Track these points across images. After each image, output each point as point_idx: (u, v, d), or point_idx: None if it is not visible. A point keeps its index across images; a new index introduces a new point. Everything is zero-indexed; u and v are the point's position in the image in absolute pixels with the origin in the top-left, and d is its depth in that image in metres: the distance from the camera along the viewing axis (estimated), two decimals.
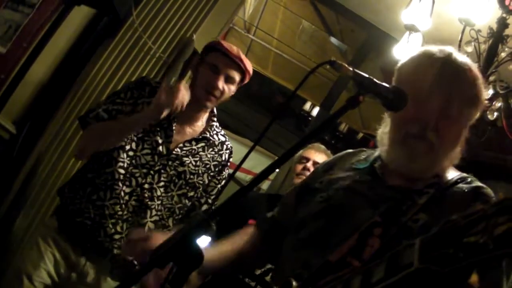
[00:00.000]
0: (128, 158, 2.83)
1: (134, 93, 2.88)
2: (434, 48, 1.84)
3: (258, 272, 3.39)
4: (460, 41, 4.12)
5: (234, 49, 2.87)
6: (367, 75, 1.65)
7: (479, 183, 1.78)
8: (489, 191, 1.74)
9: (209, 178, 2.97)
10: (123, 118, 2.80)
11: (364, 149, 2.09)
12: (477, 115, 1.84)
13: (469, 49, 4.10)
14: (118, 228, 2.82)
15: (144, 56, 4.29)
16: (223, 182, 3.05)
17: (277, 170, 3.78)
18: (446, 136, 1.75)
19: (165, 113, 2.69)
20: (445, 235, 1.11)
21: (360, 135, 10.47)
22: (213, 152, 2.98)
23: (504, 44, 4.12)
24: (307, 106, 10.15)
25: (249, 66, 2.92)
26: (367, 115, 10.45)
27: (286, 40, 9.06)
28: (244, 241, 2.20)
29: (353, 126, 10.41)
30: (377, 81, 1.63)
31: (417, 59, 1.87)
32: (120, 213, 2.81)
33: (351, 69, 1.65)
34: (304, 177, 3.50)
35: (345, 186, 1.89)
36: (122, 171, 2.82)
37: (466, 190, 1.74)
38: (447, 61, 1.77)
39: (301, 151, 3.96)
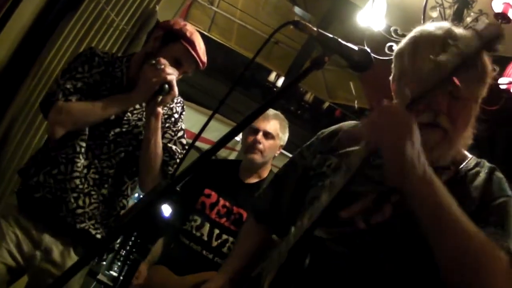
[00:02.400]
0: (87, 130, 2.84)
1: (88, 65, 2.88)
2: (430, 26, 1.75)
3: (215, 243, 3.41)
4: (425, 6, 4.10)
5: (199, 46, 2.91)
6: (332, 36, 1.64)
7: (491, 165, 1.77)
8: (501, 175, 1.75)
9: (164, 130, 2.94)
10: (111, 97, 2.82)
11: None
12: (485, 90, 1.75)
13: (434, 14, 4.06)
14: (80, 203, 2.82)
15: (107, 29, 4.23)
16: (179, 134, 3.03)
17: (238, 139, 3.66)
18: (458, 118, 1.67)
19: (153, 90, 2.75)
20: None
21: (326, 104, 10.54)
22: (166, 108, 2.96)
23: (469, 9, 4.10)
24: (272, 77, 10.16)
25: (205, 57, 2.97)
26: (332, 84, 10.50)
27: (250, 11, 9.02)
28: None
29: (319, 96, 10.46)
30: (342, 41, 1.62)
31: (415, 42, 1.76)
32: (80, 186, 2.82)
33: (315, 29, 1.64)
34: (256, 151, 3.47)
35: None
36: (83, 143, 2.83)
37: (481, 174, 1.72)
38: (449, 39, 1.64)
39: None
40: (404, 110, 1.49)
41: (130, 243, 5.04)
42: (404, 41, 1.83)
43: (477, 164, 1.76)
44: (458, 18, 4.01)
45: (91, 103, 2.78)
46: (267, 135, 3.51)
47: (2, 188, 3.86)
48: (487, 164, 1.76)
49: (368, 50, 1.70)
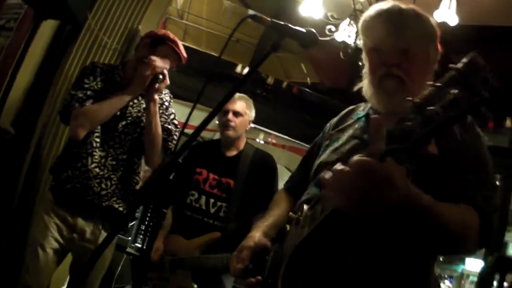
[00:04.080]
0: (100, 128, 2.90)
1: (93, 75, 2.93)
2: (382, 5, 1.72)
3: (212, 210, 3.43)
4: None
5: (180, 44, 3.02)
6: (283, 22, 1.64)
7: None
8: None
9: (159, 115, 2.98)
10: (113, 96, 2.89)
11: (362, 103, 1.94)
12: (438, 49, 1.73)
13: None
14: (103, 185, 2.88)
15: (102, 50, 4.27)
16: (171, 117, 3.12)
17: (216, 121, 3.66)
18: (411, 70, 1.64)
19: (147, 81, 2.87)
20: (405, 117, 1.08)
21: (285, 84, 10.53)
22: (158, 99, 2.99)
23: None
24: (239, 69, 10.09)
25: (185, 53, 3.06)
26: (288, 66, 10.50)
27: (213, 18, 9.00)
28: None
29: (278, 77, 10.45)
30: (292, 26, 1.63)
31: (369, 17, 1.74)
32: (101, 173, 2.87)
33: (269, 19, 1.64)
34: (230, 128, 3.49)
35: (350, 134, 1.81)
36: (97, 139, 2.89)
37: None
38: (392, 11, 1.67)
39: None
40: (378, 164, 1.14)
41: (149, 212, 5.04)
42: (370, 14, 1.75)
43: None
44: None
45: (99, 104, 2.84)
46: (236, 113, 3.54)
47: (42, 189, 3.85)
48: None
49: (313, 30, 1.71)
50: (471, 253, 1.63)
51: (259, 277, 1.70)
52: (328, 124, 2.03)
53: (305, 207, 1.61)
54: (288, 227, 1.72)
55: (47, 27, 3.97)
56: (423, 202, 1.27)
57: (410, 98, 1.06)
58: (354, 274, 1.48)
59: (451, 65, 0.99)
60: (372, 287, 1.47)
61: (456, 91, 0.96)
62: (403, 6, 1.69)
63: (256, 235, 1.82)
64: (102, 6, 4.19)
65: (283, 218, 1.85)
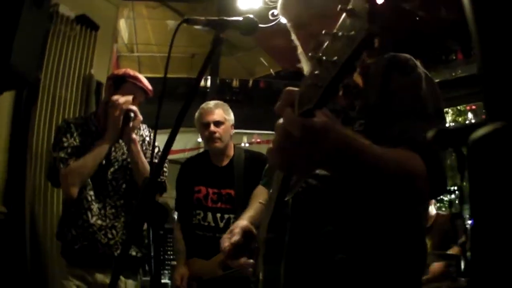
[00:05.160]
0: (90, 181, 2.90)
1: (69, 133, 2.94)
2: None
3: (221, 224, 3.45)
4: None
5: (142, 79, 3.04)
6: (217, 17, 1.64)
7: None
8: (404, 56, 1.57)
9: (144, 152, 3.00)
10: (94, 147, 2.89)
11: None
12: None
13: None
14: (110, 236, 2.88)
15: (64, 105, 4.28)
16: (156, 150, 2.94)
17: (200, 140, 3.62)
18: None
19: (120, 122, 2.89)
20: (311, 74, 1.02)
21: (251, 81, 10.57)
22: (137, 136, 3.00)
23: None
24: (202, 81, 10.11)
25: (150, 86, 3.07)
26: (248, 64, 10.51)
27: (162, 42, 8.97)
28: None
29: (242, 78, 10.49)
30: (227, 18, 1.64)
31: None
32: (104, 224, 2.87)
33: (202, 18, 1.64)
34: (216, 139, 3.43)
35: None
36: (91, 192, 2.89)
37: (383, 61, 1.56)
38: None
39: (198, 118, 3.56)
40: (303, 119, 1.04)
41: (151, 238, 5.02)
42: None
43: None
44: None
45: (83, 159, 2.84)
46: (217, 123, 3.48)
47: (50, 251, 3.86)
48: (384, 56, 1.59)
49: (250, 15, 1.71)
50: (423, 201, 1.57)
51: (251, 261, 1.69)
52: None
53: (270, 190, 1.61)
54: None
55: (5, 100, 3.94)
56: (355, 144, 1.18)
57: (311, 54, 1.01)
58: (337, 240, 1.45)
59: (340, 7, 0.95)
60: (358, 249, 1.45)
61: (351, 32, 0.91)
62: None
63: (243, 222, 1.82)
64: (50, 62, 4.18)
65: (260, 210, 1.85)
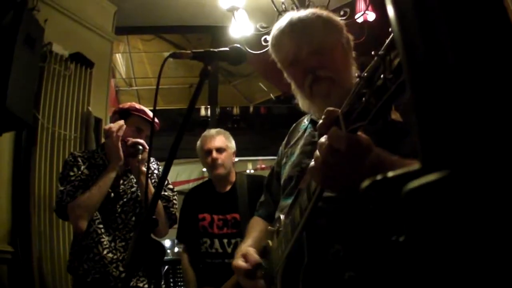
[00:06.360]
0: (99, 214, 2.88)
1: (76, 166, 2.93)
2: (281, 21, 1.72)
3: (229, 250, 3.41)
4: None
5: (148, 112, 3.05)
6: (204, 49, 1.65)
7: None
8: None
9: (153, 185, 3.01)
10: (99, 179, 2.86)
11: (306, 116, 1.91)
12: (348, 38, 1.73)
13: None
14: (120, 269, 2.86)
15: (64, 143, 4.31)
16: (165, 183, 3.05)
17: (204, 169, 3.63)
18: (333, 65, 1.62)
19: (121, 151, 2.88)
20: (357, 93, 1.03)
21: (251, 108, 10.60)
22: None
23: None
24: (203, 111, 10.15)
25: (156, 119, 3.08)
26: (247, 91, 10.57)
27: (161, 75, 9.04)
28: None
29: (243, 105, 10.53)
30: (215, 49, 1.64)
31: (274, 38, 1.74)
32: (115, 257, 2.85)
33: (189, 51, 1.64)
34: (218, 166, 3.46)
35: (302, 144, 1.79)
36: (101, 225, 2.87)
37: None
38: (292, 22, 1.67)
39: (200, 146, 3.60)
40: (351, 134, 1.08)
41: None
42: (274, 34, 1.74)
43: None
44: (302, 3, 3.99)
45: (89, 191, 2.82)
46: (219, 150, 3.50)
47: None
48: None
49: (238, 45, 1.72)
50: None
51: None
52: (280, 147, 2.04)
53: (282, 217, 1.60)
54: (270, 242, 1.71)
55: (5, 141, 3.97)
56: (389, 160, 1.20)
57: (357, 74, 1.03)
58: (345, 258, 1.46)
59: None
60: (367, 266, 1.45)
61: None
62: (300, 13, 1.70)
63: (248, 248, 1.80)
64: (47, 101, 4.22)
65: (263, 238, 1.83)
